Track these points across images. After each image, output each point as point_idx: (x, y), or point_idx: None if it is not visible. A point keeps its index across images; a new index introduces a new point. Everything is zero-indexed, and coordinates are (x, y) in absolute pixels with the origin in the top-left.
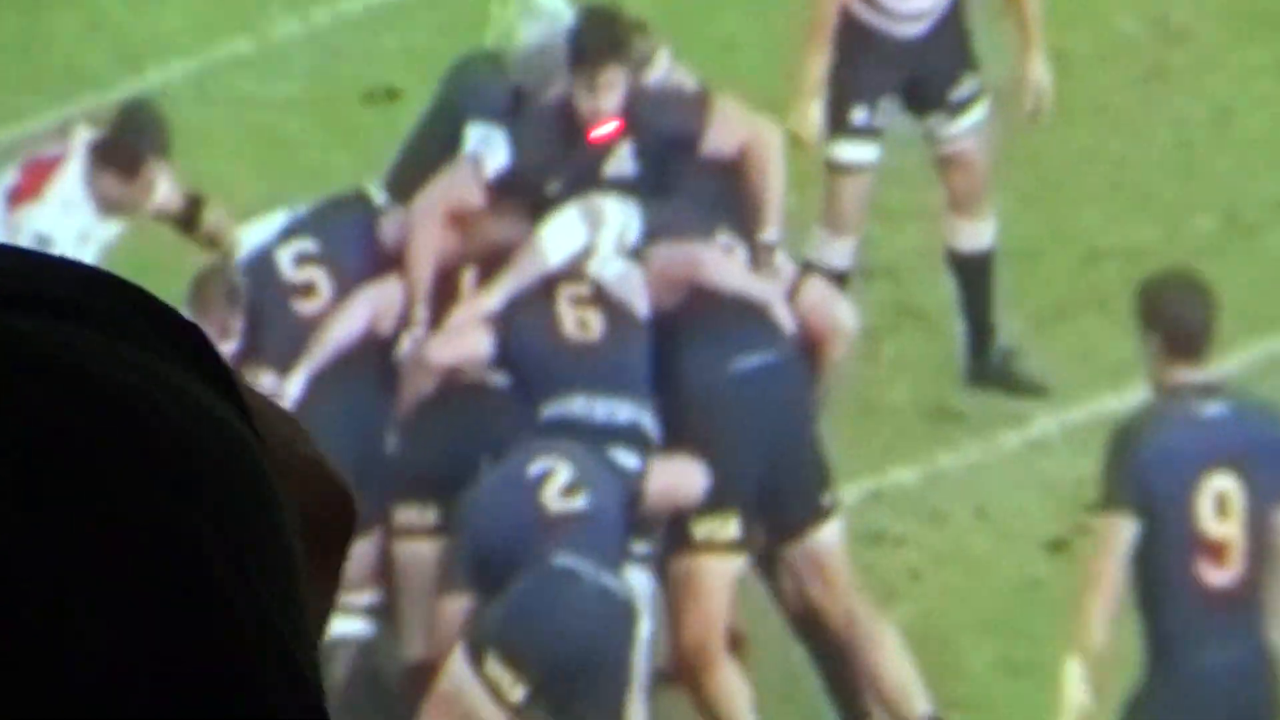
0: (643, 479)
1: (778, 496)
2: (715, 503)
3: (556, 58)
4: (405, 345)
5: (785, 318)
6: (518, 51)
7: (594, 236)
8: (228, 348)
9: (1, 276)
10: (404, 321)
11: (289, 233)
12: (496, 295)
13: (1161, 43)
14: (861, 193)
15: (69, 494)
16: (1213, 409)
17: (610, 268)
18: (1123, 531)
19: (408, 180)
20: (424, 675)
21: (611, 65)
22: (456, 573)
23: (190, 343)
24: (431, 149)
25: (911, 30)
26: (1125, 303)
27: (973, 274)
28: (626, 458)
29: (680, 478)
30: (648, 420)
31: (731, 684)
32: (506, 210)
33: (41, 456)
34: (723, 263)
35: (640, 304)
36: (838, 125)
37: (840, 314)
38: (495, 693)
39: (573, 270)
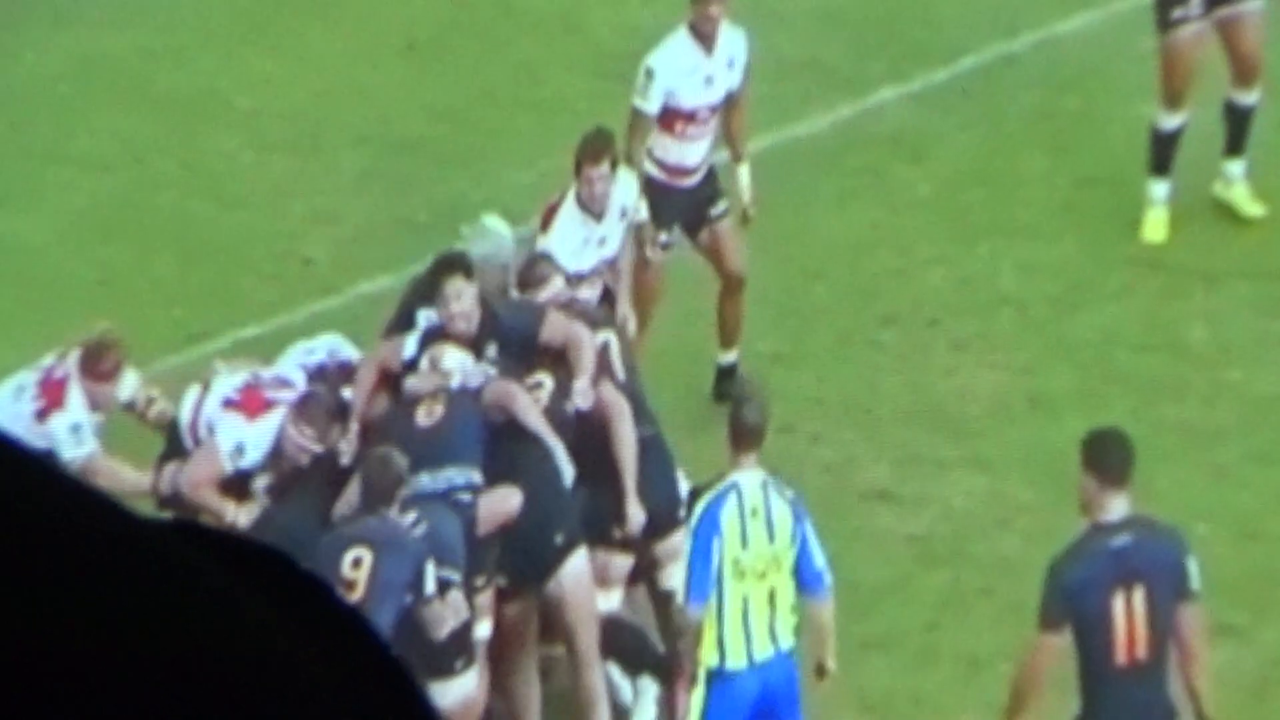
0: (475, 509)
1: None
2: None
3: (499, 264)
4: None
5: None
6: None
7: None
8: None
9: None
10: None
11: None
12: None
13: None
14: None
15: None
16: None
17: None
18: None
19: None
20: None
21: (458, 278)
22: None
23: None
24: (401, 321)
25: None
26: None
27: None
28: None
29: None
30: (476, 477)
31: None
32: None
33: None
34: (531, 406)
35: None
36: None
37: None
38: None
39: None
